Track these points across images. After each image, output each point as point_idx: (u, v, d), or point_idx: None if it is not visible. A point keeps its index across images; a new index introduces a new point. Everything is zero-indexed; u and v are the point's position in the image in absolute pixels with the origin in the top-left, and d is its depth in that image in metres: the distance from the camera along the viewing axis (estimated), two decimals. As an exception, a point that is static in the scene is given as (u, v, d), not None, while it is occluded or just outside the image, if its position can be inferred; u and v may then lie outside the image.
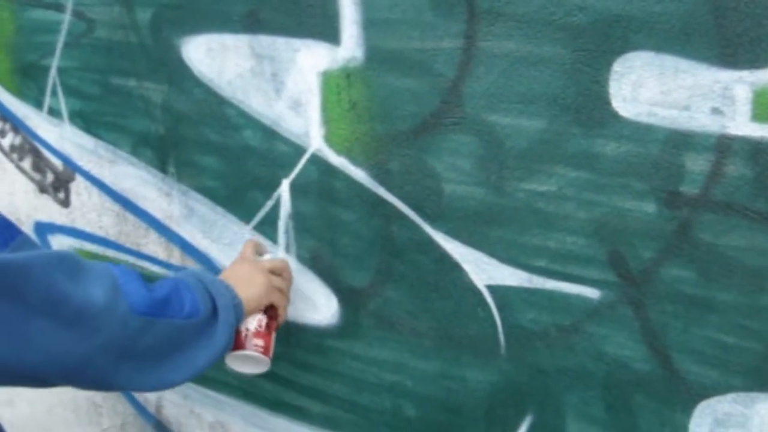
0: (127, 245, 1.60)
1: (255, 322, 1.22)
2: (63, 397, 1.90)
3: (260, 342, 1.22)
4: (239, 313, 1.16)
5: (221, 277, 1.20)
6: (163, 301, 1.04)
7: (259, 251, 1.31)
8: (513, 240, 1.11)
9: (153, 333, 1.01)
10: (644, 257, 1.01)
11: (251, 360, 1.23)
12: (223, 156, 1.37)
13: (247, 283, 1.19)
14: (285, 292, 1.28)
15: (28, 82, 1.62)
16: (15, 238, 1.03)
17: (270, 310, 1.25)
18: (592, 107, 0.99)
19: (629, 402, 1.08)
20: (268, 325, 1.24)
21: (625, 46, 0.95)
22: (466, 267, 1.16)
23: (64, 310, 0.91)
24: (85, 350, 0.94)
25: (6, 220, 1.05)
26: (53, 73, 1.57)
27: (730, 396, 1.00)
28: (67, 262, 0.94)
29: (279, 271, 1.27)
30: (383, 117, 1.16)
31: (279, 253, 1.34)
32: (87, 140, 1.57)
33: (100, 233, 1.64)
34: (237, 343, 1.20)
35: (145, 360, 1.02)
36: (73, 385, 1.00)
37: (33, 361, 0.90)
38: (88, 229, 1.66)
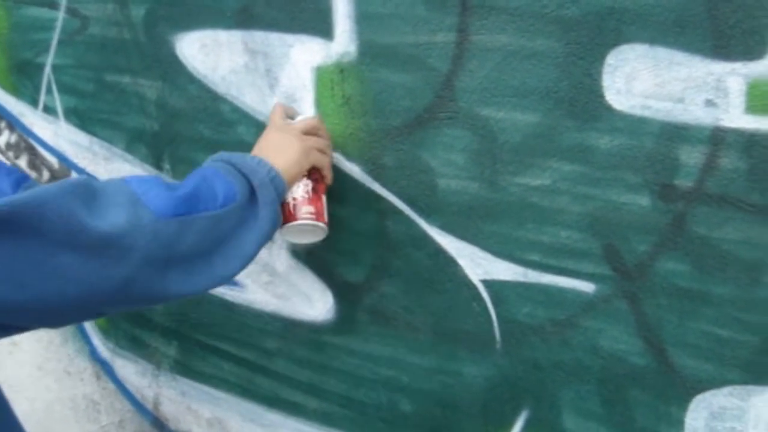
0: (124, 242, 1.60)
1: (301, 190, 1.14)
2: (62, 394, 1.90)
3: (311, 209, 1.14)
4: (280, 186, 1.07)
5: (253, 152, 1.12)
6: (190, 196, 0.98)
7: (289, 114, 1.20)
8: (508, 234, 1.10)
9: (190, 232, 0.96)
10: (639, 251, 1.01)
11: (307, 230, 1.16)
12: (218, 152, 1.36)
13: (281, 152, 1.10)
14: (325, 151, 1.17)
15: (23, 79, 1.62)
16: (27, 180, 0.99)
17: (314, 173, 1.16)
18: (586, 100, 0.99)
19: (625, 396, 1.08)
20: (315, 189, 1.15)
21: (619, 38, 0.95)
22: (461, 261, 1.16)
23: (88, 240, 0.87)
24: (123, 272, 0.90)
25: (12, 167, 1.01)
26: (48, 70, 1.57)
27: (725, 389, 1.00)
28: (80, 190, 0.89)
29: (314, 131, 1.17)
30: (377, 112, 1.16)
31: (310, 111, 1.24)
32: (82, 137, 1.57)
33: (97, 230, 1.63)
34: (287, 215, 1.13)
35: (192, 261, 0.97)
36: (127, 306, 0.98)
37: (75, 294, 0.87)
38: (84, 226, 1.65)
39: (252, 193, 1.04)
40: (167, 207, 0.95)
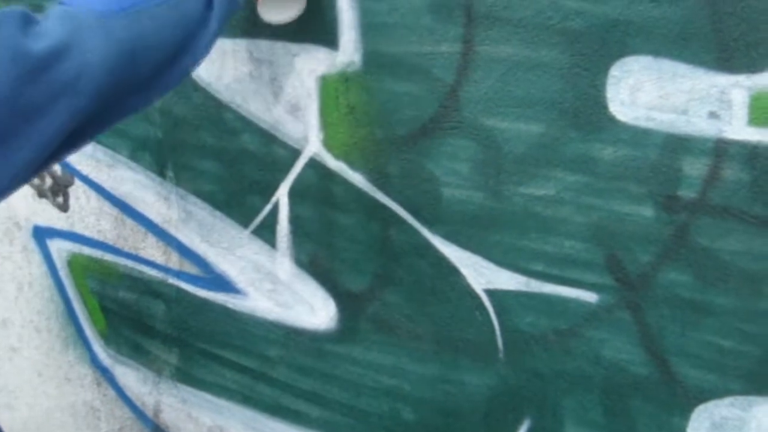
0: (126, 249, 1.60)
1: None
2: (61, 401, 1.90)
3: None
4: None
5: None
6: None
7: None
8: (511, 244, 1.11)
9: (145, 24, 0.91)
10: (642, 261, 1.01)
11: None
12: (222, 160, 1.37)
13: None
14: None
15: None
16: None
17: None
18: (590, 111, 1.00)
19: (627, 406, 1.08)
20: None
21: (623, 50, 0.95)
22: (464, 271, 1.16)
23: (36, 62, 0.81)
24: (92, 85, 0.85)
25: None
26: None
27: (727, 400, 1.00)
28: (17, 17, 0.82)
29: None
30: (381, 121, 1.16)
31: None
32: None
33: (99, 237, 1.64)
34: None
35: (160, 49, 0.93)
36: (119, 110, 0.92)
37: (60, 124, 0.83)
38: (86, 233, 1.65)
39: None
40: (109, 4, 0.90)
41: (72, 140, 0.89)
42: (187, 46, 0.97)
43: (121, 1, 0.90)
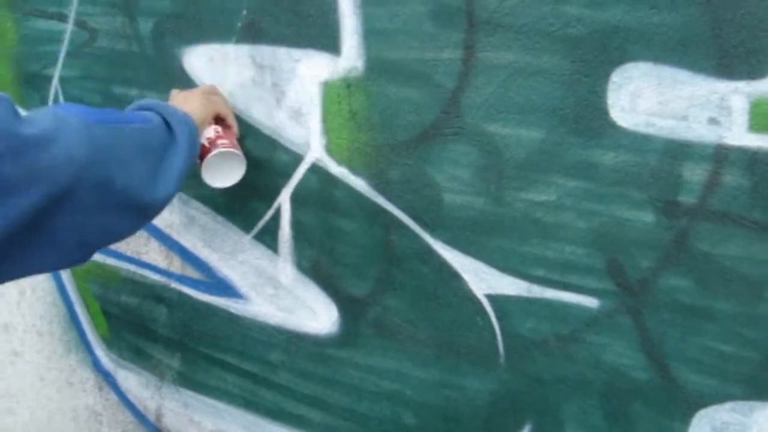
0: (128, 254, 1.60)
1: (212, 132, 1.23)
2: (63, 405, 1.90)
3: (225, 141, 1.22)
4: (193, 125, 1.14)
5: None
6: (113, 113, 1.03)
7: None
8: (512, 249, 1.11)
9: (124, 139, 0.99)
10: (642, 266, 1.02)
11: (226, 161, 1.23)
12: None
13: (187, 102, 1.19)
14: (225, 103, 1.29)
15: (31, 91, 1.63)
16: None
17: (220, 122, 1.26)
18: (591, 117, 1.00)
19: (628, 410, 1.08)
20: (225, 130, 1.25)
21: (623, 56, 0.96)
22: (466, 276, 1.16)
23: (20, 143, 0.84)
24: (68, 176, 0.88)
25: None
26: (55, 82, 1.58)
27: (728, 405, 1.01)
28: (6, 104, 0.86)
29: (209, 92, 1.27)
30: (383, 127, 1.17)
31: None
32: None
33: (101, 242, 1.64)
34: (204, 153, 1.21)
35: (133, 170, 0.99)
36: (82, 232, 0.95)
37: (25, 208, 0.85)
38: (89, 237, 1.66)
39: (168, 122, 1.10)
40: (93, 115, 0.97)
41: (42, 240, 0.91)
42: (154, 177, 1.04)
43: (104, 117, 0.99)
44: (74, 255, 1.00)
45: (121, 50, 1.44)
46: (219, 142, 1.22)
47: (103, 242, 1.02)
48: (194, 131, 1.14)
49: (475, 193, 1.12)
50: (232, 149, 1.22)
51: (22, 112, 0.90)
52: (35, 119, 0.90)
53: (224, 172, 1.24)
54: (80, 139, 0.91)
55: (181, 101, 1.21)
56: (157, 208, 1.06)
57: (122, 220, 1.01)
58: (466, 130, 1.10)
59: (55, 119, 0.91)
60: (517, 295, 1.13)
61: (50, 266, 1.00)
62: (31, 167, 0.85)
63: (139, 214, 1.03)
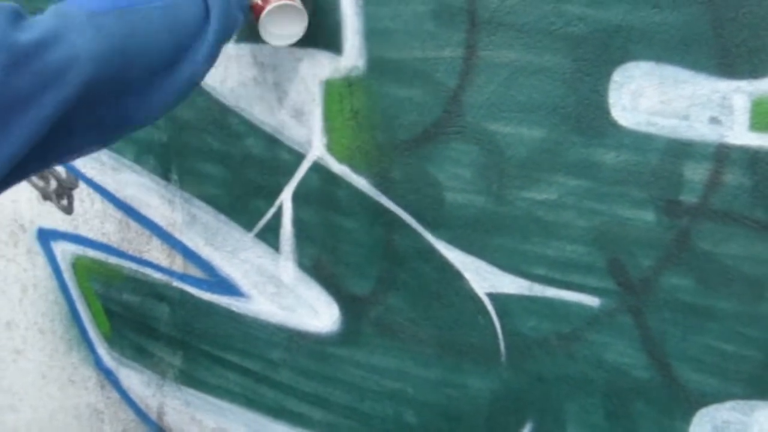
0: (130, 252, 1.60)
1: None
2: (65, 403, 1.90)
3: None
4: None
5: None
6: None
7: None
8: (513, 248, 1.11)
9: (138, 23, 0.90)
10: (644, 265, 1.02)
11: (285, 15, 1.13)
12: (226, 164, 1.37)
13: None
14: None
15: None
16: None
17: None
18: (592, 116, 1.00)
19: (629, 409, 1.08)
20: None
21: (625, 55, 0.96)
22: (467, 275, 1.17)
23: (22, 52, 0.80)
24: (78, 77, 0.83)
25: None
26: None
27: (729, 404, 1.01)
28: (7, 11, 0.82)
29: None
30: (385, 126, 1.17)
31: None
32: None
33: (103, 240, 1.64)
34: (258, 9, 1.11)
35: (153, 59, 0.92)
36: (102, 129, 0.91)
37: (45, 116, 0.82)
38: (91, 236, 1.66)
39: None
40: (102, 3, 0.90)
41: (62, 140, 0.88)
42: (182, 55, 0.97)
43: (116, 1, 0.90)
44: (95, 145, 0.95)
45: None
46: None
47: (123, 130, 0.96)
48: None
49: (477, 192, 1.12)
50: (289, 1, 1.11)
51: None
52: (35, 21, 0.84)
53: (284, 27, 1.14)
54: (86, 33, 0.85)
55: None
56: (188, 84, 0.98)
57: (144, 105, 0.94)
58: (468, 129, 1.10)
59: (56, 17, 0.85)
60: (519, 294, 1.13)
61: (71, 157, 0.96)
62: (38, 73, 0.81)
63: (168, 96, 0.96)
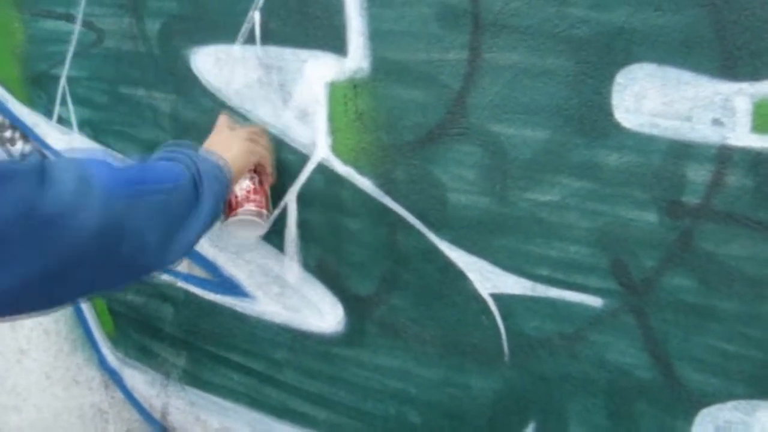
0: (135, 253, 1.61)
1: (246, 184, 1.24)
2: (69, 403, 1.91)
3: (251, 206, 1.22)
4: (226, 176, 1.12)
5: (203, 148, 1.18)
6: (138, 178, 0.99)
7: (232, 126, 1.29)
8: (517, 249, 1.12)
9: (139, 211, 0.96)
10: (646, 266, 1.02)
11: (247, 224, 1.24)
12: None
13: (228, 148, 1.17)
14: (267, 152, 1.26)
15: (38, 91, 1.64)
16: None
17: (258, 171, 1.26)
18: (595, 118, 1.01)
19: (631, 409, 1.09)
20: (260, 183, 1.26)
21: (628, 58, 0.96)
22: (471, 275, 1.17)
23: (40, 217, 0.84)
24: (75, 246, 0.87)
25: None
26: (63, 82, 1.58)
27: (731, 403, 1.01)
28: (35, 173, 0.87)
29: (256, 136, 1.25)
30: (389, 127, 1.18)
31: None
32: (96, 149, 1.58)
33: (108, 241, 1.65)
34: (230, 208, 1.22)
35: (144, 240, 0.97)
36: (100, 285, 0.95)
37: (39, 269, 0.85)
38: (95, 236, 1.66)
39: (198, 181, 1.06)
40: (119, 178, 0.95)
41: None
42: (178, 230, 1.02)
43: (130, 178, 0.97)
44: (52, 304, 0.97)
45: (129, 51, 1.45)
46: (246, 205, 1.22)
47: (85, 294, 1.00)
48: (224, 188, 1.12)
49: (480, 192, 1.12)
50: (254, 217, 1.22)
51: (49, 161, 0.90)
52: (59, 181, 0.88)
53: (246, 228, 1.25)
54: (98, 213, 0.90)
55: (224, 143, 1.19)
56: (159, 270, 1.04)
57: (115, 279, 0.98)
58: (472, 131, 1.10)
59: (80, 183, 0.89)
60: (522, 295, 1.13)
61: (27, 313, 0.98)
62: (41, 243, 0.85)
63: (136, 275, 1.01)
